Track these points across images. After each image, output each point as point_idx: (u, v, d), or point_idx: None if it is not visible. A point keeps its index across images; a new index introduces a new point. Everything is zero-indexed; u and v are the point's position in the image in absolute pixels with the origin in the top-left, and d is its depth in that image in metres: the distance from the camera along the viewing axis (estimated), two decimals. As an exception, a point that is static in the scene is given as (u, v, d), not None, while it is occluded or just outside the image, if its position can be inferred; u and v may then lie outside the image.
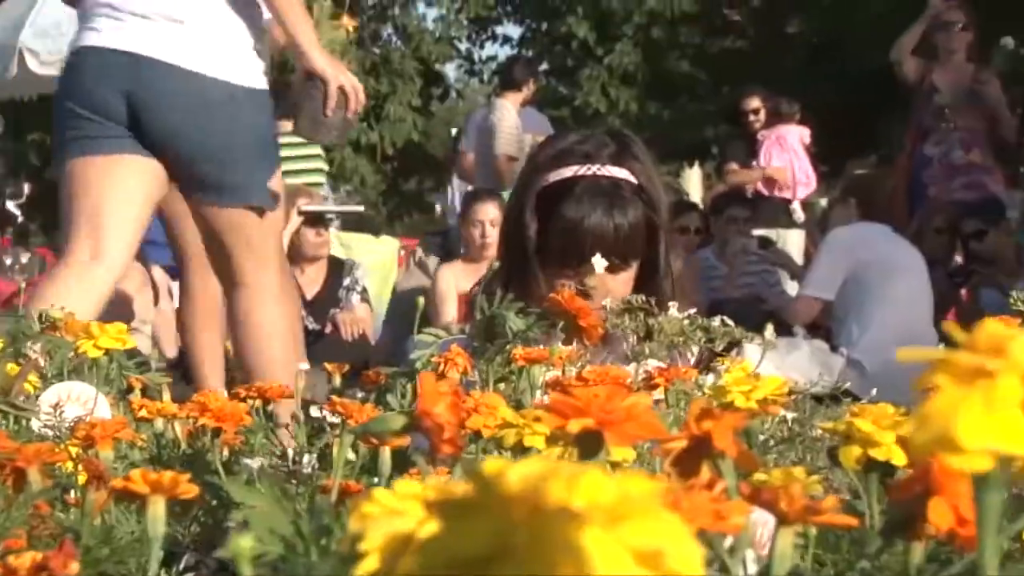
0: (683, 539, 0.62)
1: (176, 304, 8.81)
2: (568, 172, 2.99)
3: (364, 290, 8.42)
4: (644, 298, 2.77)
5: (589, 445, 1.21)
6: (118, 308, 7.68)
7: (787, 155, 10.85)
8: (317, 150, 10.02)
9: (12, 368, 2.27)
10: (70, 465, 2.14)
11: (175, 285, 8.82)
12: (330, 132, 4.57)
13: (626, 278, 3.05)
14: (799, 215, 10.81)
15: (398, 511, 0.86)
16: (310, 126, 4.58)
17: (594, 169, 2.98)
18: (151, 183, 4.56)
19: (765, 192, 10.68)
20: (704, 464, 1.23)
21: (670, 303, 2.65)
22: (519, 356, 2.42)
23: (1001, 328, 0.65)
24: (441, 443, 1.22)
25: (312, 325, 8.27)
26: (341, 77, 4.60)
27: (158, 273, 8.41)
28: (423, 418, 1.23)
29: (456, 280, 8.00)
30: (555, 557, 0.59)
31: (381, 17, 21.14)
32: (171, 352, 8.26)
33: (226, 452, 2.58)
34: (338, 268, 8.39)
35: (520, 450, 1.67)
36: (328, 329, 8.23)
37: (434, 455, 1.24)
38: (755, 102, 11.20)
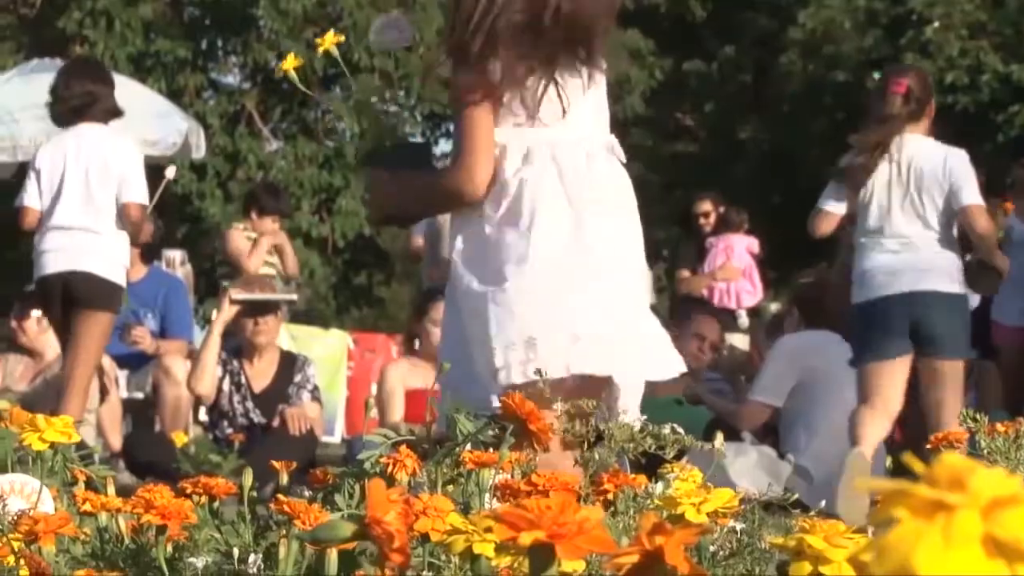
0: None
1: (126, 393, 8.79)
2: None
3: (315, 388, 8.39)
4: (595, 402, 2.77)
5: (541, 557, 1.20)
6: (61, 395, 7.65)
7: (735, 263, 10.97)
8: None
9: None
10: (11, 559, 2.12)
11: (123, 374, 8.80)
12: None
13: None
14: (744, 321, 10.90)
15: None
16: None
17: None
18: None
19: (712, 300, 10.77)
20: (655, 579, 1.22)
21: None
22: (469, 459, 2.41)
23: (961, 461, 0.65)
24: (391, 552, 1.21)
25: (258, 419, 8.23)
26: None
27: (106, 362, 8.37)
28: (373, 526, 1.22)
29: (404, 378, 7.98)
30: None
31: (335, 112, 21.21)
32: (116, 443, 8.22)
33: (170, 548, 2.56)
34: (289, 363, 8.36)
35: (469, 557, 1.66)
36: (275, 423, 8.20)
37: (382, 562, 1.23)
38: (706, 205, 11.33)
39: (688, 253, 11.43)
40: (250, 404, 8.27)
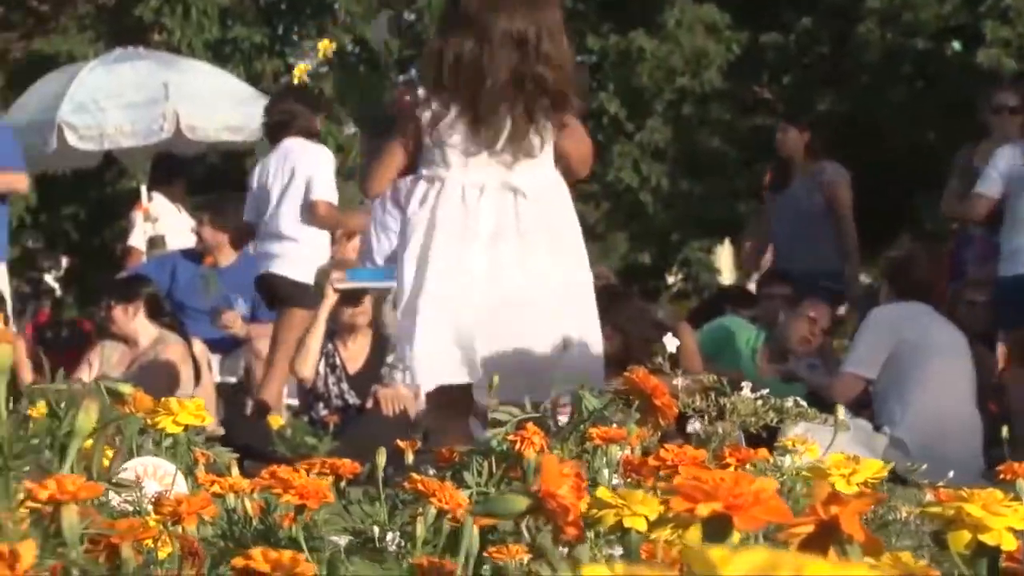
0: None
1: (219, 378, 8.86)
2: None
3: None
4: (716, 377, 2.77)
5: (717, 528, 1.21)
6: (159, 382, 7.73)
7: None
8: None
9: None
10: (149, 541, 2.15)
11: (216, 358, 8.87)
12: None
13: None
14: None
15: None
16: None
17: None
18: None
19: None
20: (831, 549, 1.23)
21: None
22: (596, 435, 2.42)
23: None
24: (566, 525, 1.22)
25: (353, 400, 8.28)
26: None
27: (199, 347, 8.45)
28: (547, 500, 1.23)
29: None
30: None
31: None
32: (212, 426, 8.27)
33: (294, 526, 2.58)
34: (383, 344, 8.40)
35: (619, 530, 1.67)
36: (369, 404, 8.23)
37: (556, 537, 1.24)
38: None
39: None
40: (345, 386, 8.32)
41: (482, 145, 4.44)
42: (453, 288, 4.47)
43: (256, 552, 1.29)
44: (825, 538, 1.22)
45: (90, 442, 2.20)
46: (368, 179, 4.78)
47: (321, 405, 8.28)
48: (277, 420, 8.20)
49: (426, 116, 4.50)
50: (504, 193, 4.48)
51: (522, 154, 4.48)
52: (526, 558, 2.18)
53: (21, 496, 1.42)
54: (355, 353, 8.33)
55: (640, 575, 0.66)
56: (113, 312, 8.21)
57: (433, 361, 4.49)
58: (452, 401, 4.63)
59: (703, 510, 1.19)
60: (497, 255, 4.47)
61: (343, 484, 2.59)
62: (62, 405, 1.66)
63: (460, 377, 4.52)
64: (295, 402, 9.09)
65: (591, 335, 4.70)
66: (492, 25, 4.38)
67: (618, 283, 8.11)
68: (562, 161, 4.66)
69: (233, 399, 8.79)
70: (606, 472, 2.41)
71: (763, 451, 2.59)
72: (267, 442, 7.85)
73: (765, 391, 2.64)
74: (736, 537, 1.39)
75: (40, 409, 1.81)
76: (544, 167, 4.58)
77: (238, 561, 1.30)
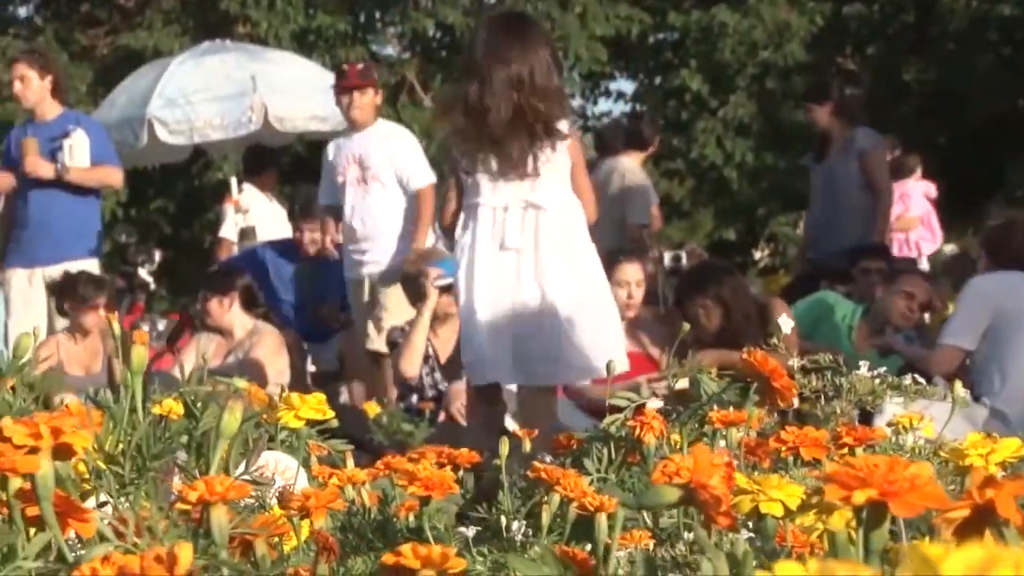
0: None
1: (311, 367, 8.91)
2: None
3: None
4: (831, 357, 2.75)
5: (873, 516, 1.20)
6: (255, 373, 7.78)
7: (913, 212, 10.78)
8: None
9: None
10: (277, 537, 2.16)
11: (311, 349, 8.93)
12: None
13: None
14: (924, 266, 10.72)
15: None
16: None
17: None
18: None
19: (892, 251, 10.57)
20: (987, 532, 1.22)
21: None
22: (716, 418, 2.41)
23: None
24: (717, 515, 1.22)
25: (445, 388, 8.30)
26: None
27: (292, 337, 8.50)
28: (699, 490, 1.22)
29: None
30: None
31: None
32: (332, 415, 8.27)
33: (412, 518, 2.59)
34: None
35: (756, 516, 1.66)
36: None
37: (708, 525, 1.24)
38: None
39: None
40: (437, 375, 8.34)
41: (500, 171, 5.23)
42: (491, 296, 5.29)
43: (406, 548, 1.29)
44: (981, 523, 1.21)
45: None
46: (441, 216, 5.98)
47: (415, 396, 8.31)
48: (373, 408, 8.23)
49: (455, 156, 5.42)
50: (525, 209, 5.26)
51: (532, 174, 5.23)
52: (651, 543, 2.18)
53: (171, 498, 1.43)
54: (445, 341, 8.35)
55: (835, 573, 0.66)
56: (208, 304, 8.27)
57: (479, 362, 5.35)
58: (490, 396, 5.49)
59: (859, 497, 1.18)
60: (520, 263, 5.28)
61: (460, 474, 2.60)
62: (198, 405, 1.68)
63: (498, 376, 5.37)
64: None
65: (607, 329, 5.40)
66: (493, 71, 5.18)
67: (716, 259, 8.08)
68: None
69: (327, 388, 8.83)
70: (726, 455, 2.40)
71: (880, 430, 2.57)
72: (364, 430, 7.88)
73: (882, 369, 2.62)
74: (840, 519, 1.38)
75: (174, 408, 1.83)
76: (559, 185, 5.30)
77: (388, 558, 1.30)
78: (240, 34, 17.96)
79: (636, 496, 1.43)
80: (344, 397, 8.77)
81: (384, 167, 8.41)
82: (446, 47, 20.69)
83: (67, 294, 8.00)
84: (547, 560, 1.18)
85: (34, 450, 1.30)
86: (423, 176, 8.54)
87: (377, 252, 8.43)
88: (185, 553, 1.18)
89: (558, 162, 5.29)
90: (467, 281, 5.35)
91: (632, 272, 7.82)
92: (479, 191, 5.29)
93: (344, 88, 8.53)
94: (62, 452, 1.34)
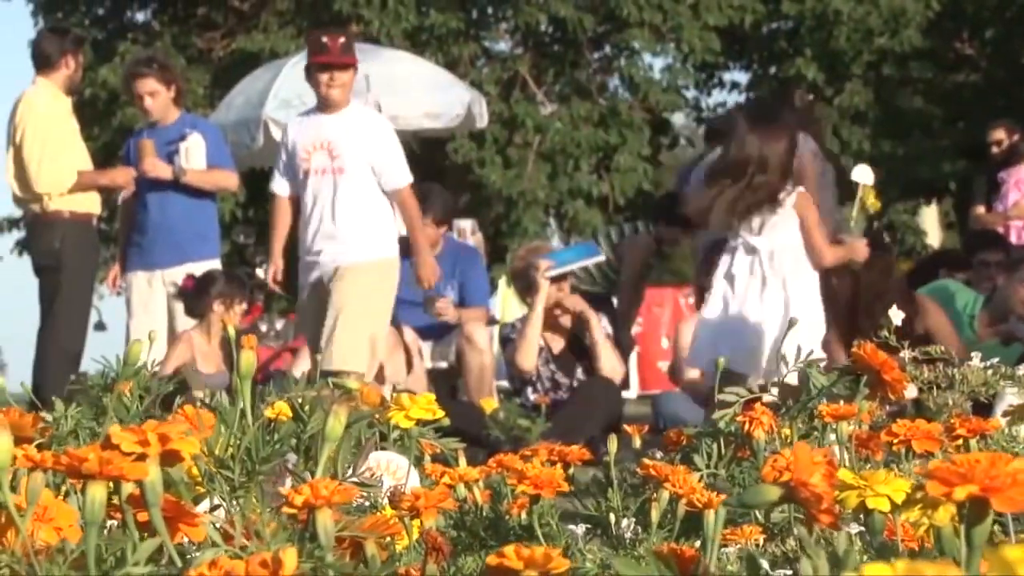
0: None
1: (430, 364, 8.96)
2: None
3: (609, 335, 8.43)
4: (943, 348, 2.73)
5: (975, 511, 1.19)
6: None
7: None
8: None
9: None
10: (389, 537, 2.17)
11: (427, 345, 8.97)
12: None
13: None
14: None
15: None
16: None
17: None
18: None
19: (1008, 237, 10.44)
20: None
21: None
22: (825, 412, 2.40)
23: None
24: (819, 513, 1.21)
25: (562, 379, 8.32)
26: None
27: (409, 335, 8.54)
28: (800, 489, 1.22)
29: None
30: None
31: (608, 69, 21.22)
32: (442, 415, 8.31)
33: (524, 515, 2.60)
34: (582, 323, 8.43)
35: (863, 511, 1.65)
36: (575, 383, 8.29)
37: (810, 524, 1.24)
38: (999, 133, 11.00)
39: (980, 187, 11.16)
40: (553, 367, 8.36)
41: (738, 222, 6.54)
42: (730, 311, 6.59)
43: (509, 550, 1.30)
44: (1086, 518, 1.20)
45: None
46: None
47: (529, 389, 8.34)
48: (490, 403, 8.27)
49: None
50: (751, 251, 6.53)
51: (758, 226, 6.51)
52: (761, 538, 2.17)
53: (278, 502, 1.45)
54: (557, 334, 8.38)
55: (923, 574, 0.66)
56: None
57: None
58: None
59: (960, 493, 1.17)
60: (746, 291, 6.54)
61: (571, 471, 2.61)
62: (305, 408, 1.70)
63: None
64: (506, 384, 9.15)
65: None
66: (737, 148, 6.52)
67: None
68: None
69: (444, 384, 8.87)
70: (837, 449, 2.39)
71: (994, 421, 2.54)
72: (481, 425, 7.92)
73: (995, 360, 2.59)
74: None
75: (282, 411, 1.85)
76: (782, 232, 6.52)
77: (492, 559, 1.31)
78: (354, 33, 18.09)
79: (738, 495, 1.43)
80: (461, 394, 8.81)
81: (358, 157, 7.49)
82: (558, 41, 20.70)
83: (210, 292, 8.12)
84: (650, 560, 1.18)
85: (142, 457, 1.33)
86: (403, 175, 7.62)
87: (341, 254, 7.49)
88: (290, 557, 1.20)
89: (778, 217, 6.62)
90: (724, 299, 6.68)
91: None
92: (736, 235, 6.65)
93: (323, 64, 7.53)
94: (170, 458, 1.36)
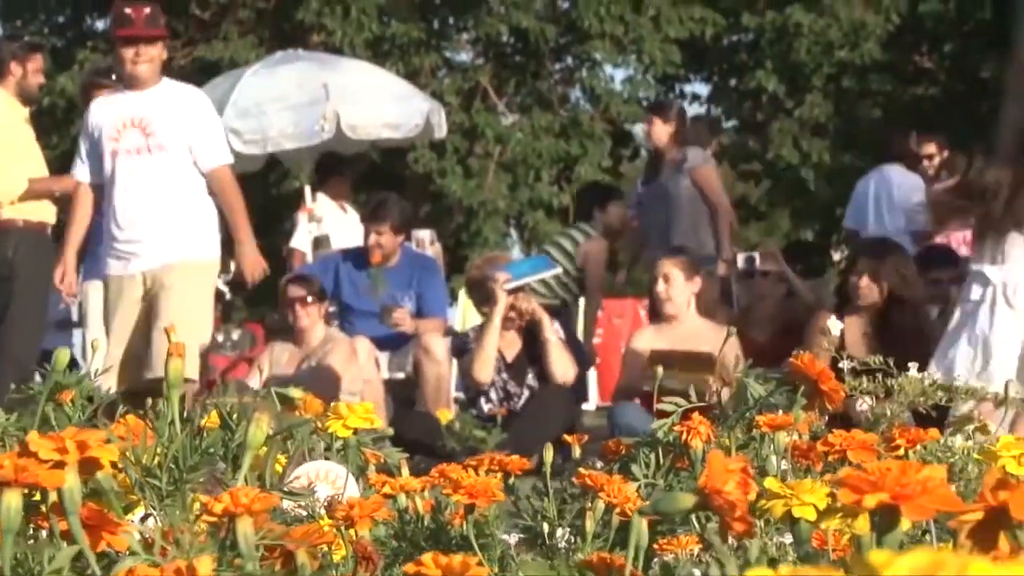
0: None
1: (387, 374, 8.95)
2: None
3: (562, 339, 8.45)
4: (882, 359, 2.74)
5: (885, 519, 1.20)
6: (325, 381, 7.83)
7: None
8: None
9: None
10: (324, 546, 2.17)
11: (384, 355, 8.96)
12: None
13: None
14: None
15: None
16: None
17: None
18: None
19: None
20: (1002, 536, 1.21)
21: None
22: (763, 423, 2.41)
23: None
24: (732, 521, 1.22)
25: (514, 388, 8.32)
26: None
27: (366, 345, 8.54)
28: (714, 496, 1.23)
29: (651, 344, 7.91)
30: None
31: (569, 80, 21.26)
32: (381, 423, 8.31)
33: (465, 525, 2.60)
34: (533, 330, 8.44)
35: (788, 520, 1.66)
36: (526, 392, 8.30)
37: (724, 531, 1.24)
38: (931, 148, 10.95)
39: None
40: (505, 375, 8.37)
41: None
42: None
43: (427, 558, 1.30)
44: (995, 525, 1.21)
45: (264, 450, 2.24)
46: None
47: (483, 399, 8.34)
48: (446, 414, 8.27)
49: None
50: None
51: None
52: (696, 548, 2.18)
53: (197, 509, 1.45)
54: (510, 342, 8.39)
55: (801, 579, 0.66)
56: (307, 308, 8.36)
57: None
58: None
59: (870, 501, 1.18)
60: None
61: (512, 479, 2.61)
62: (234, 416, 1.70)
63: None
64: (462, 395, 9.16)
65: None
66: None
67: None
68: None
69: (401, 395, 8.88)
70: (774, 459, 2.40)
71: (933, 431, 2.56)
72: (436, 436, 7.92)
73: (932, 370, 2.60)
74: (906, 526, 1.38)
75: (212, 420, 1.85)
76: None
77: (409, 568, 1.32)
78: (315, 43, 18.07)
79: (653, 502, 1.43)
80: (418, 404, 8.81)
81: (173, 134, 6.94)
82: (520, 52, 20.72)
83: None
84: (561, 567, 1.19)
85: (60, 464, 1.33)
86: (222, 153, 7.11)
87: (158, 241, 6.95)
88: (204, 565, 1.20)
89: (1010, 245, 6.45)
90: None
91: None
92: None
93: (127, 39, 6.93)
94: (89, 466, 1.36)
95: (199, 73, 17.42)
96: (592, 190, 11.58)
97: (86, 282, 8.38)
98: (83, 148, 7.11)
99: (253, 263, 7.14)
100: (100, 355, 6.51)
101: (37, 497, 1.51)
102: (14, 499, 1.31)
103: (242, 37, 19.57)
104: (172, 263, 6.88)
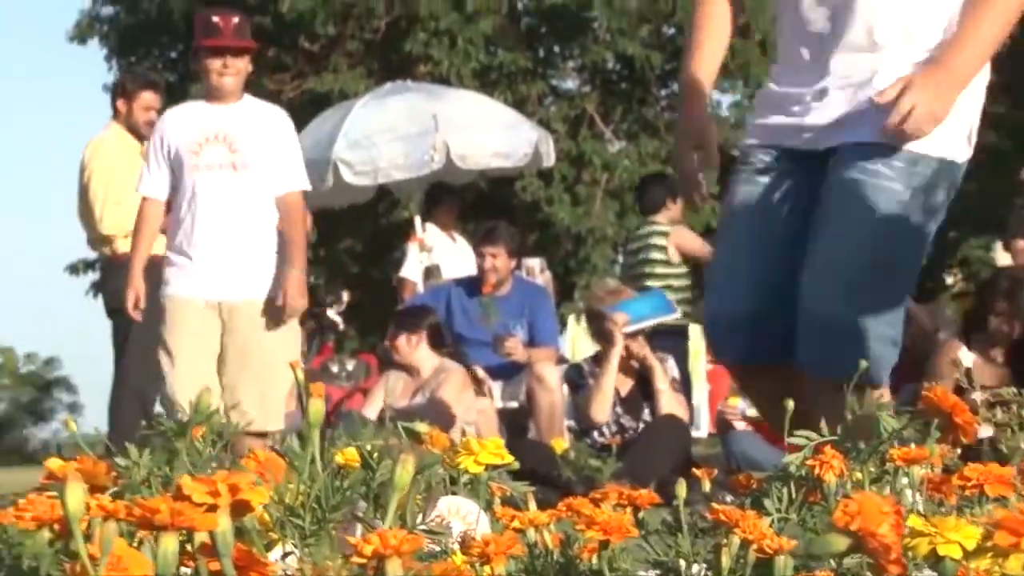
0: None
1: (500, 403, 8.96)
2: None
3: (674, 380, 8.41)
4: (1016, 390, 2.71)
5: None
6: (440, 412, 7.85)
7: None
8: None
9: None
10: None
11: (497, 384, 8.97)
12: None
13: None
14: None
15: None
16: None
17: None
18: None
19: None
20: None
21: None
22: (896, 456, 2.39)
23: None
24: (887, 564, 1.21)
25: (629, 423, 8.29)
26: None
27: (480, 374, 8.56)
28: (867, 539, 1.22)
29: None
30: None
31: (675, 106, 21.25)
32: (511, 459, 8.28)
33: (595, 559, 2.60)
34: (646, 365, 8.40)
35: (933, 558, 1.64)
36: (640, 426, 8.26)
37: (879, 573, 1.23)
38: None
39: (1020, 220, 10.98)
40: (619, 409, 8.34)
41: None
42: None
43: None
44: None
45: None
46: None
47: (595, 433, 8.31)
48: (561, 443, 8.26)
49: None
50: None
51: None
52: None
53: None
54: (624, 377, 8.36)
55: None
56: (397, 342, 8.38)
57: None
58: None
59: (1030, 545, 1.16)
60: None
61: (641, 515, 2.60)
62: (374, 456, 1.71)
63: None
64: (574, 424, 9.14)
65: None
66: None
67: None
68: None
69: (514, 424, 8.88)
70: (908, 493, 2.37)
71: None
72: (552, 466, 7.90)
73: (1069, 402, 2.57)
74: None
75: (351, 457, 1.86)
76: None
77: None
78: (422, 73, 18.18)
79: (806, 544, 1.42)
80: (532, 433, 8.80)
81: (258, 152, 6.60)
82: (625, 79, 20.72)
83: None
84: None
85: (213, 508, 1.34)
86: (300, 178, 6.75)
87: (246, 267, 6.62)
88: (359, 608, 1.20)
89: None
90: None
91: None
92: None
93: (215, 49, 6.58)
94: (240, 508, 1.38)
95: (309, 105, 17.58)
96: (662, 181, 11.43)
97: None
98: (153, 161, 6.69)
99: (298, 291, 6.59)
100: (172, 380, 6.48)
101: (183, 536, 1.53)
102: (171, 544, 1.33)
103: (351, 69, 19.73)
104: (257, 300, 6.56)
